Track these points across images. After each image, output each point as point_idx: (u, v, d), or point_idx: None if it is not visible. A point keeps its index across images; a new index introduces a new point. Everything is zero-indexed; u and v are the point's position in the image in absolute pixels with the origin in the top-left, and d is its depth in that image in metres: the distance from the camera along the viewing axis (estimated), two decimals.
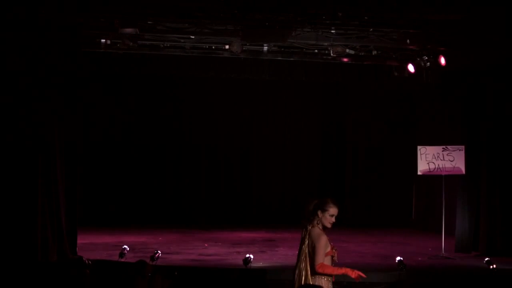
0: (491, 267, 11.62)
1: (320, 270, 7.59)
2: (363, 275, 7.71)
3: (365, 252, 13.69)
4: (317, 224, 7.72)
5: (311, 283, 7.59)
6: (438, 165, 13.07)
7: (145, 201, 18.21)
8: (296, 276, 7.82)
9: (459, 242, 13.61)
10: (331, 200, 7.78)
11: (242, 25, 13.35)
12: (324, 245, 7.64)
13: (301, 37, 14.03)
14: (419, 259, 12.80)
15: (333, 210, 7.68)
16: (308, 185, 18.84)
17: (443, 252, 13.01)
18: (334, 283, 7.82)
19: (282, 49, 15.40)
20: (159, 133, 18.46)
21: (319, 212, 7.70)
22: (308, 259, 7.73)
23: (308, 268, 7.73)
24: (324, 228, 7.71)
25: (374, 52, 15.49)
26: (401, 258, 11.63)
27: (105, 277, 10.72)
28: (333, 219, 7.70)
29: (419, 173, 13.34)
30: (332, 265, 7.71)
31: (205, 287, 10.93)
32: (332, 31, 13.83)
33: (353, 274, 7.66)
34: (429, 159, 13.09)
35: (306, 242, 7.76)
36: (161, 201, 18.36)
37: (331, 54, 14.85)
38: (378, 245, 14.74)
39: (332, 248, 7.68)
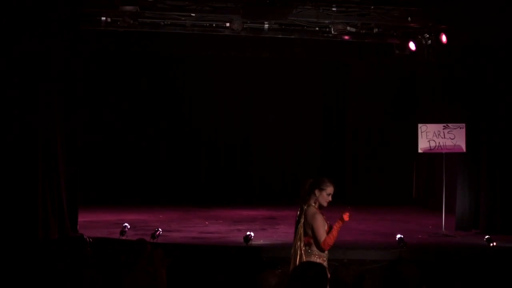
0: (491, 245, 11.62)
1: (327, 247, 7.72)
2: (347, 214, 7.93)
3: (366, 230, 13.69)
4: (314, 203, 7.80)
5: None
6: (439, 143, 13.02)
7: (146, 179, 18.20)
8: (291, 255, 7.85)
9: (460, 220, 13.59)
10: (328, 179, 7.90)
11: (243, 2, 13.31)
12: (322, 223, 7.71)
13: (302, 14, 13.99)
14: (420, 236, 12.79)
15: (330, 189, 7.82)
16: (309, 163, 18.82)
17: (443, 230, 13.00)
18: (330, 260, 7.83)
19: (283, 27, 15.38)
20: (159, 111, 18.41)
21: (316, 191, 7.78)
22: (303, 238, 7.79)
23: (303, 247, 7.77)
24: (321, 207, 7.79)
25: (375, 30, 15.47)
26: (402, 236, 11.64)
27: (106, 254, 10.72)
28: (330, 198, 7.87)
29: (419, 151, 13.30)
30: None
31: (206, 265, 10.92)
32: (333, 9, 13.80)
33: (346, 217, 7.90)
34: (430, 137, 13.04)
35: (302, 221, 7.77)
36: (162, 179, 18.35)
37: (332, 32, 14.83)
38: (378, 223, 14.73)
39: (328, 227, 7.78)
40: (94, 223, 13.69)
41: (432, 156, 15.82)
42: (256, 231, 12.38)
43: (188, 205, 16.96)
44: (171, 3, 13.73)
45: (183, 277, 9.98)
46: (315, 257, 7.70)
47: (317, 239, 7.70)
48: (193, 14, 14.35)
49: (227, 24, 14.90)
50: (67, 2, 12.49)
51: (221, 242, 12.03)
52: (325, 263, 7.63)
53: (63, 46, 12.43)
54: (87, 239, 11.46)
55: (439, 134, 13.03)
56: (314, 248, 7.75)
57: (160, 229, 11.83)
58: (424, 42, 15.41)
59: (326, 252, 7.82)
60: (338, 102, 19.24)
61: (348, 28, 14.85)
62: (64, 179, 12.34)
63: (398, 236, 11.66)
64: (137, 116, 18.34)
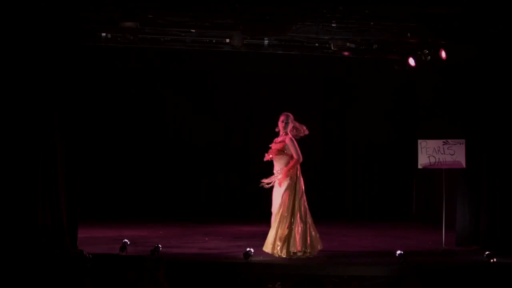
0: (492, 260, 11.61)
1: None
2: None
3: (365, 245, 13.69)
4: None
5: None
6: (439, 159, 13.03)
7: (146, 195, 18.14)
8: None
9: (460, 235, 13.57)
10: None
11: (243, 18, 13.35)
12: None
13: (302, 30, 14.02)
14: (420, 252, 12.78)
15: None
16: (309, 178, 18.66)
17: (443, 245, 12.99)
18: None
19: (283, 42, 15.41)
20: (159, 126, 18.34)
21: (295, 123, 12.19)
22: None
23: None
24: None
25: (375, 46, 15.50)
26: (402, 252, 11.63)
27: (106, 271, 10.71)
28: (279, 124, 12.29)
29: (419, 167, 13.30)
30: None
31: (206, 281, 10.91)
32: (333, 25, 13.82)
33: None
34: (430, 153, 13.05)
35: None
36: (162, 195, 18.28)
37: (332, 48, 14.84)
38: (378, 239, 14.72)
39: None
40: (93, 239, 13.67)
41: (432, 172, 15.82)
42: (256, 247, 12.36)
43: (188, 221, 16.95)
44: (171, 19, 13.77)
45: None
46: None
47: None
48: (193, 30, 14.38)
49: (227, 40, 14.93)
50: (68, 19, 12.54)
51: (221, 258, 12.01)
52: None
53: (64, 66, 12.48)
54: (87, 255, 11.44)
55: (439, 150, 13.04)
56: None
57: (160, 245, 11.82)
58: (423, 58, 15.44)
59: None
60: (338, 118, 19.18)
61: (348, 44, 14.89)
62: (64, 195, 12.34)
63: (398, 252, 11.65)
64: (136, 131, 18.28)
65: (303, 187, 12.21)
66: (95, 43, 14.71)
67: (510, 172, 13.32)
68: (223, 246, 13.40)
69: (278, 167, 12.35)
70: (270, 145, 12.45)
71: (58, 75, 12.37)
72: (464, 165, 13.07)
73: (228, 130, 18.74)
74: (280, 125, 12.47)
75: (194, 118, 18.54)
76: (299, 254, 11.72)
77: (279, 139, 12.46)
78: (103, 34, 14.52)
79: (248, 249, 11.65)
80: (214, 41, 15.31)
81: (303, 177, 12.35)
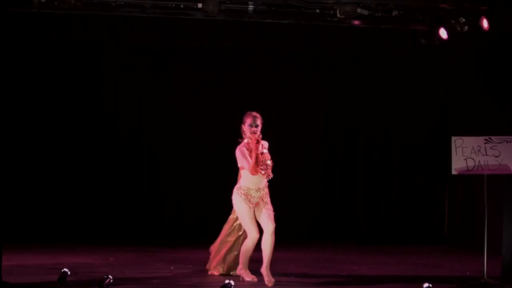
0: None
1: (256, 172, 11.99)
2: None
3: (383, 276, 13.71)
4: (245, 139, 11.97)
5: None
6: (479, 161, 13.04)
7: (92, 211, 18.05)
8: None
9: (507, 263, 13.61)
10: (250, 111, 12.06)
11: None
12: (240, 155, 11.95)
13: None
14: (454, 286, 12.82)
15: (248, 120, 11.99)
16: (308, 189, 18.74)
17: (485, 277, 13.03)
18: None
19: (273, 8, 15.43)
20: (108, 121, 18.17)
21: (242, 127, 12.05)
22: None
23: None
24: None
25: (395, 13, 15.53)
26: (430, 285, 11.65)
27: None
28: (254, 129, 11.88)
29: (453, 172, 13.32)
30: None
31: None
32: None
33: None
34: (467, 154, 13.06)
35: None
36: (113, 211, 18.19)
37: (338, 15, 14.87)
38: (399, 268, 14.77)
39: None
40: (23, 268, 13.65)
41: (471, 180, 15.86)
42: (238, 279, 12.37)
43: (148, 245, 16.93)
44: None
45: None
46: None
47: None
48: None
49: (199, 5, 14.93)
50: None
51: None
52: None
53: None
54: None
55: (479, 150, 13.05)
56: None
57: (110, 276, 11.81)
58: (459, 29, 15.49)
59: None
60: (346, 110, 19.12)
61: (359, 10, 14.91)
62: None
63: (426, 285, 11.67)
64: (80, 128, 18.07)
65: None
66: (24, 8, 14.68)
67: None
68: (194, 276, 13.39)
69: (264, 181, 12.56)
70: (261, 156, 12.25)
71: None
72: None
73: (199, 127, 18.52)
74: (259, 129, 12.28)
75: (155, 111, 18.36)
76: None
77: (260, 147, 12.35)
78: None
79: (227, 281, 11.64)
80: (182, 6, 15.31)
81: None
